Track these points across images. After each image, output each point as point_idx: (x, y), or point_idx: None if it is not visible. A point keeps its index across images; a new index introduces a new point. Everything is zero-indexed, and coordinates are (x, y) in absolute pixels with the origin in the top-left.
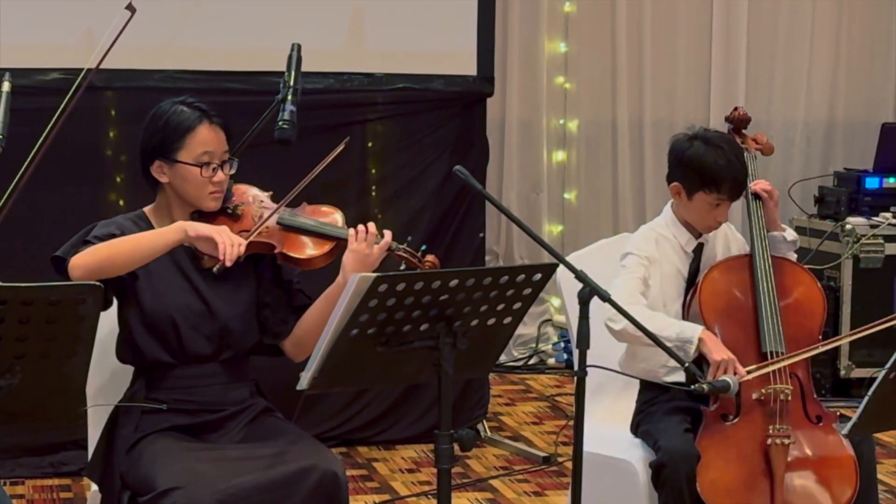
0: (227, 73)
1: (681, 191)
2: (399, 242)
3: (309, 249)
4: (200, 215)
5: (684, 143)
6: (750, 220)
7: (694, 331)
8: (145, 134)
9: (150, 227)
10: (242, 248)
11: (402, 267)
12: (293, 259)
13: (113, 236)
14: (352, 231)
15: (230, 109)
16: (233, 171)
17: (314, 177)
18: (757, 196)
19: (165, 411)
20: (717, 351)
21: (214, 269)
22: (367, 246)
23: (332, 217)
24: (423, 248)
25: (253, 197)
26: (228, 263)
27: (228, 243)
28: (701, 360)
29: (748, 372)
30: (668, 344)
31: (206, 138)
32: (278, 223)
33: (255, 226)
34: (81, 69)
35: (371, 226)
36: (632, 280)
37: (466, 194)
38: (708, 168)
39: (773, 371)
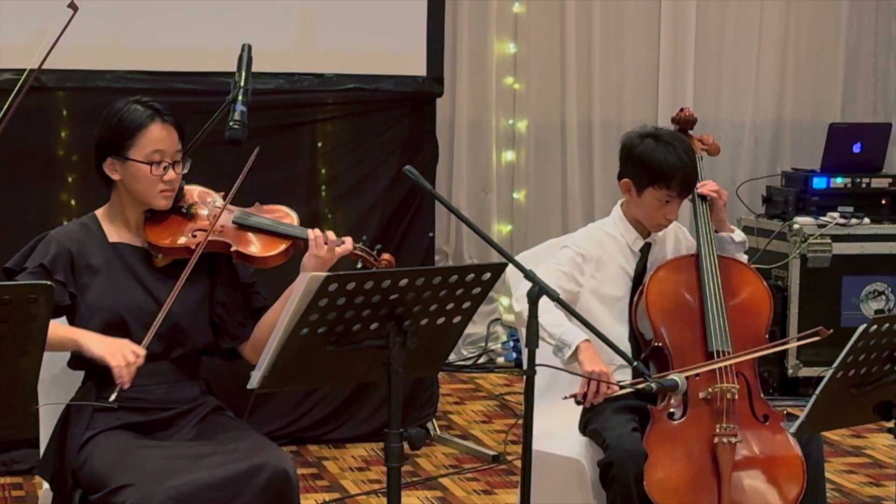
0: (178, 74)
1: (631, 187)
2: (355, 241)
3: (264, 248)
4: (153, 214)
5: (635, 139)
6: (696, 220)
7: (576, 338)
8: (99, 131)
9: (100, 230)
10: (140, 361)
11: (359, 265)
12: (249, 258)
13: (46, 255)
14: (313, 236)
15: (181, 110)
16: (185, 171)
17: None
18: (704, 197)
19: (117, 409)
20: (590, 363)
21: (111, 400)
22: (327, 251)
23: (287, 216)
24: (378, 247)
25: (205, 196)
26: (125, 387)
27: (122, 363)
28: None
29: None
30: (550, 342)
31: (157, 137)
32: (234, 222)
33: (214, 229)
34: (29, 70)
35: (330, 234)
36: (555, 272)
37: (416, 194)
38: (658, 164)
39: (720, 370)
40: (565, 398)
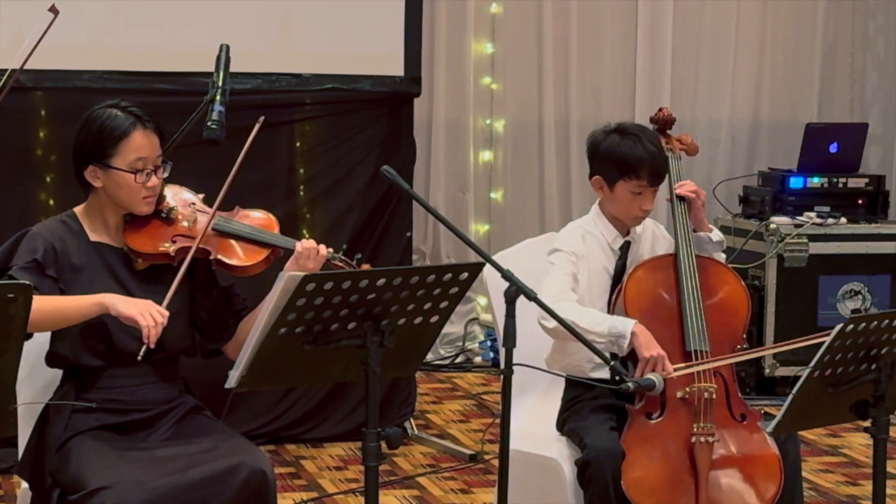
0: (156, 74)
1: (602, 184)
2: (335, 251)
3: (245, 257)
4: (133, 217)
5: (600, 136)
6: (674, 219)
7: (626, 325)
8: (79, 138)
9: (80, 228)
10: (165, 321)
11: None
12: (228, 266)
13: (36, 251)
14: (301, 247)
15: (159, 110)
16: (166, 175)
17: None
18: (682, 197)
19: (95, 410)
20: (648, 347)
21: (139, 357)
22: (312, 261)
23: (268, 223)
24: (358, 256)
25: (185, 200)
26: (153, 346)
27: (151, 324)
28: (626, 359)
29: (676, 370)
30: (601, 340)
31: (139, 144)
32: (214, 229)
33: (194, 234)
34: (7, 70)
35: (312, 242)
36: (561, 276)
37: (394, 194)
38: (624, 156)
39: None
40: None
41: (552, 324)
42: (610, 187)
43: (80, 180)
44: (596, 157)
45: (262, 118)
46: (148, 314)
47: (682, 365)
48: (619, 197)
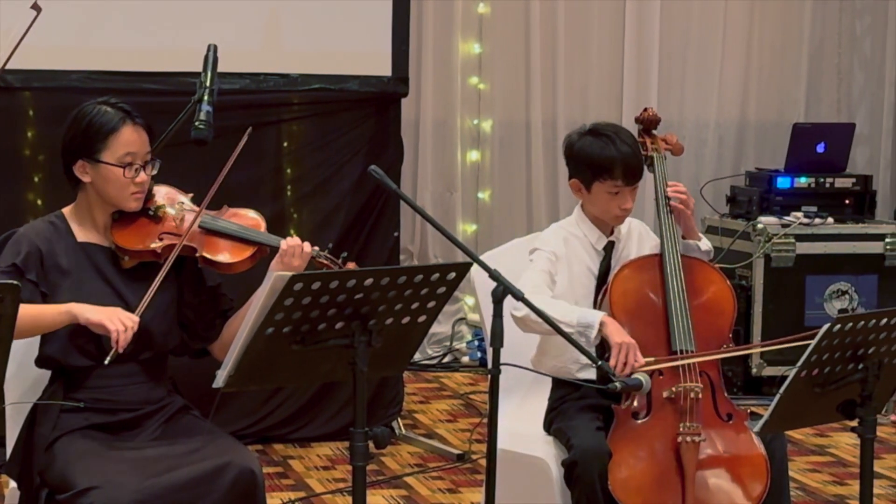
0: (144, 74)
1: (580, 186)
2: (320, 249)
3: (230, 254)
4: (121, 216)
5: (574, 139)
6: (660, 219)
7: (595, 315)
8: (68, 134)
9: (68, 228)
10: (135, 326)
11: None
12: (214, 263)
13: (18, 255)
14: (286, 246)
15: (147, 110)
16: (154, 172)
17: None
18: (668, 199)
19: (84, 410)
20: (618, 334)
21: (105, 362)
22: (297, 258)
23: (255, 222)
24: (344, 254)
25: (174, 198)
26: (121, 350)
27: (121, 328)
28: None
29: (651, 362)
30: (570, 329)
31: (129, 139)
32: (200, 226)
33: (181, 232)
34: None
35: (297, 239)
36: (538, 272)
37: (381, 194)
38: (597, 158)
39: (684, 369)
40: (599, 364)
41: (521, 312)
42: (587, 189)
43: (68, 177)
44: (571, 160)
45: (249, 129)
46: (117, 319)
47: (653, 359)
48: (597, 198)
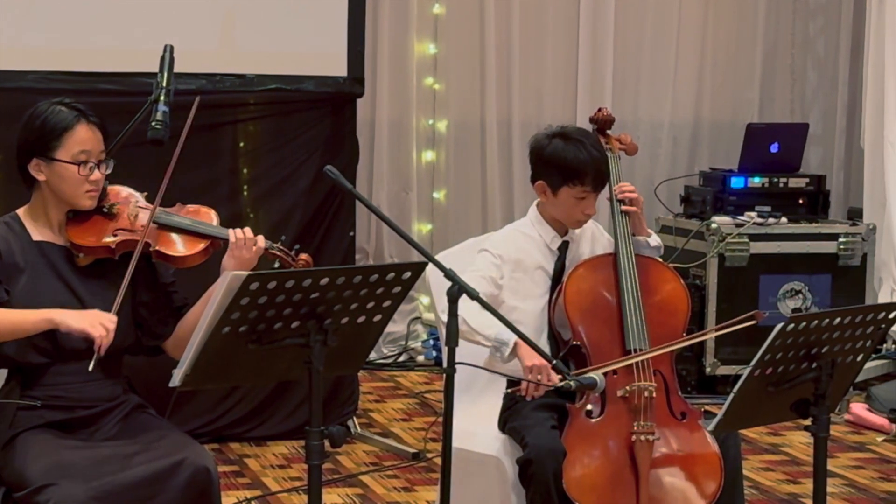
0: (101, 74)
1: (546, 189)
2: (273, 241)
3: (184, 247)
4: (76, 214)
5: (543, 141)
6: (613, 219)
7: (510, 336)
8: (23, 132)
9: (23, 229)
10: (114, 326)
11: (276, 265)
12: (168, 257)
13: None
14: (234, 238)
15: (104, 110)
16: (108, 171)
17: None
18: (621, 201)
19: (40, 408)
20: (529, 357)
21: (90, 368)
22: (247, 250)
23: (207, 216)
24: (297, 247)
25: (128, 196)
26: (102, 354)
27: (103, 333)
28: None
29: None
30: (487, 343)
31: (83, 137)
32: (154, 222)
33: (135, 228)
34: None
35: (248, 230)
36: (476, 278)
37: (337, 194)
38: (569, 162)
39: (638, 368)
40: (508, 391)
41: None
42: (554, 192)
43: (23, 176)
44: (539, 162)
45: (197, 97)
46: (98, 324)
47: (620, 360)
48: (563, 202)
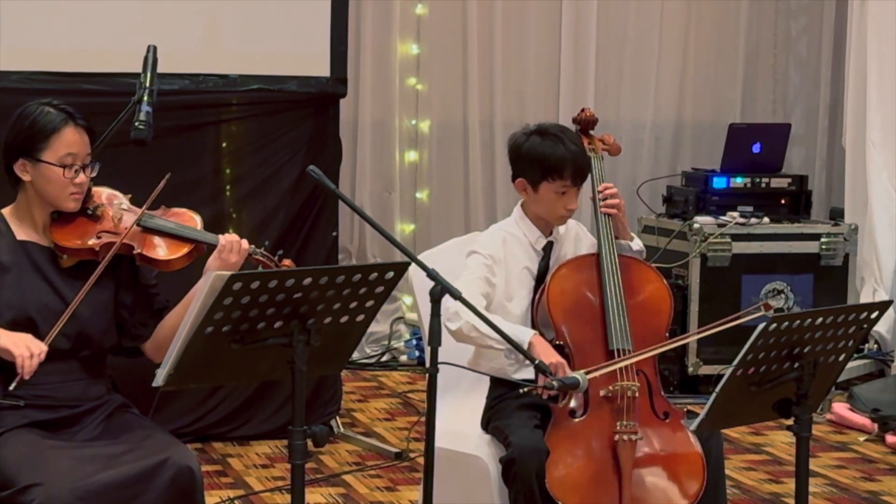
0: (85, 75)
1: (526, 185)
2: (256, 247)
3: (168, 251)
4: (60, 215)
5: (521, 138)
6: (596, 219)
7: (525, 334)
8: (10, 132)
9: (8, 229)
10: (43, 356)
11: (259, 270)
12: (152, 260)
13: None
14: (224, 241)
15: (87, 110)
16: (94, 174)
17: (168, 167)
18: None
19: (24, 407)
20: (547, 355)
21: (10, 388)
22: (234, 254)
23: (191, 220)
24: (280, 252)
25: (112, 198)
26: (27, 377)
27: (26, 354)
28: None
29: (593, 371)
30: (500, 346)
31: (70, 140)
32: (138, 225)
33: (119, 231)
34: None
35: (234, 235)
36: (473, 280)
37: (320, 194)
38: (547, 157)
39: (621, 368)
40: (523, 391)
41: (455, 325)
42: (534, 189)
43: (9, 176)
44: (518, 159)
45: (168, 175)
46: (23, 346)
47: (596, 367)
48: (544, 198)
